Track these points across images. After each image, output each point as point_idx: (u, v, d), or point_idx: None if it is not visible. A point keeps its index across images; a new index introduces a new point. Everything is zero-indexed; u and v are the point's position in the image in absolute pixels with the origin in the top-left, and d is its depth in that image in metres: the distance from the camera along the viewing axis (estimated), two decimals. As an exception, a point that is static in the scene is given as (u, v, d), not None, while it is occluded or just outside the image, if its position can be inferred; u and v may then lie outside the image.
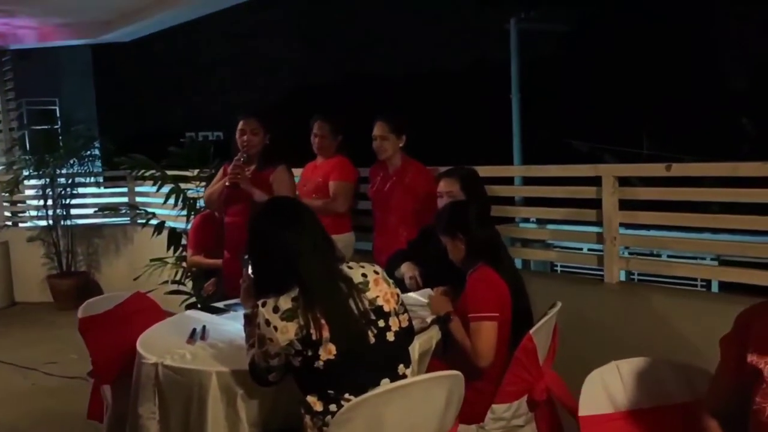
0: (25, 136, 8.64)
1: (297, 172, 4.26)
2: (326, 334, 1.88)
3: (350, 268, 2.04)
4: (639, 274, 3.43)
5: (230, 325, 2.63)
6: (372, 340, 1.94)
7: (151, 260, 5.31)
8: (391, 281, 2.10)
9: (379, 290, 2.02)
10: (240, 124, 3.62)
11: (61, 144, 7.04)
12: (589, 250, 3.93)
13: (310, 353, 1.88)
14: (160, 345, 2.43)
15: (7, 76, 7.91)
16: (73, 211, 7.04)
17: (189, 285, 4.98)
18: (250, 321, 2.11)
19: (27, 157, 7.03)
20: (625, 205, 3.14)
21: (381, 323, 1.98)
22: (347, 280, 1.99)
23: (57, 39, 6.87)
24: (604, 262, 3.16)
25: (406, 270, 3.15)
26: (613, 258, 3.13)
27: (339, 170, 4.06)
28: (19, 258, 7.08)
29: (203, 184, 5.25)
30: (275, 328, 1.89)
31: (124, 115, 19.61)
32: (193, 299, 4.70)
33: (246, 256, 2.18)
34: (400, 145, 3.84)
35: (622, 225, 3.16)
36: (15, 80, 8.23)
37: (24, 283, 7.04)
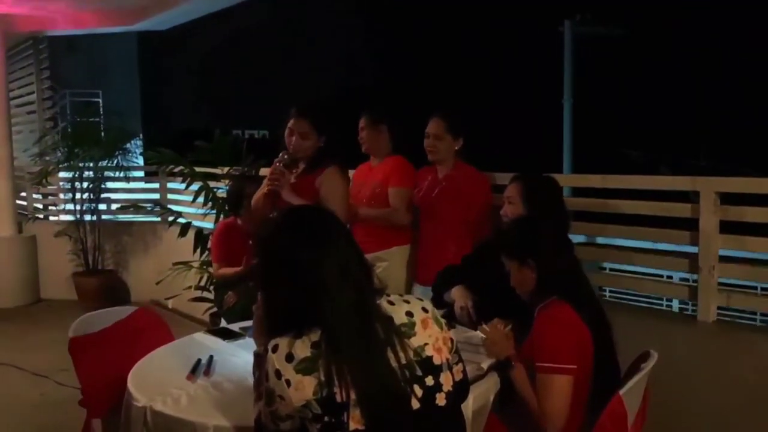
0: (68, 127, 8.49)
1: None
2: (355, 395, 1.39)
3: (391, 303, 1.54)
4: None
5: (242, 356, 2.17)
6: (416, 404, 1.45)
7: (174, 264, 4.92)
8: (443, 321, 1.60)
9: (429, 335, 1.52)
10: (290, 122, 3.03)
11: (102, 137, 6.75)
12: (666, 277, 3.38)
13: (333, 420, 1.40)
14: (154, 380, 1.99)
15: (44, 64, 7.68)
16: (103, 207, 6.75)
17: (213, 292, 4.59)
18: (260, 363, 1.64)
19: (60, 148, 6.76)
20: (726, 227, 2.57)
21: (429, 381, 1.48)
22: (386, 320, 1.49)
23: (91, 25, 6.56)
24: (698, 296, 2.59)
25: (458, 297, 2.65)
26: (711, 291, 2.56)
27: (399, 174, 3.50)
28: (46, 253, 6.83)
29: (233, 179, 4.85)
30: (288, 382, 1.41)
31: (169, 109, 19.56)
32: (216, 308, 4.30)
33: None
34: (456, 148, 3.33)
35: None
36: (57, 69, 8.05)
37: (50, 279, 6.78)
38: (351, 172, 3.64)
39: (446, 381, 1.51)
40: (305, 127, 2.99)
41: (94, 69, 11.85)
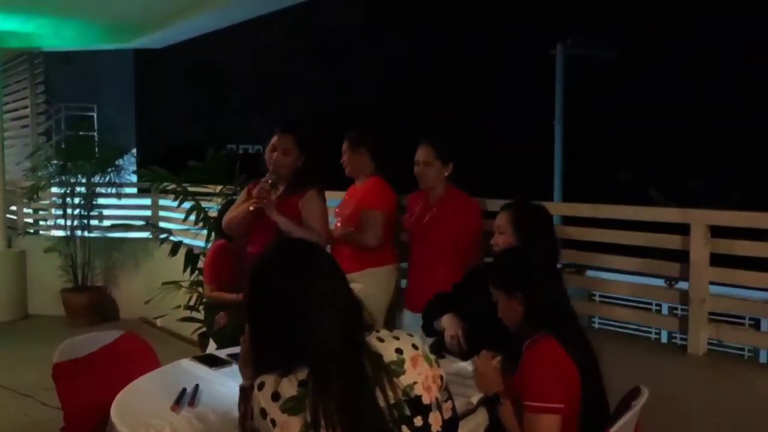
0: (61, 141, 8.46)
1: (336, 195, 3.82)
2: (342, 436, 1.37)
3: (381, 340, 1.53)
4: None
5: (228, 386, 2.14)
6: (403, 444, 1.43)
7: (164, 283, 4.90)
8: (433, 358, 1.58)
9: (418, 373, 1.50)
10: (273, 139, 3.11)
11: (96, 152, 6.74)
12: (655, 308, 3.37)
13: (319, 461, 1.37)
14: (138, 410, 1.97)
15: (39, 78, 7.68)
16: (94, 222, 6.71)
17: (203, 312, 4.56)
18: (245, 398, 1.62)
19: (51, 163, 6.74)
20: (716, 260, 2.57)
21: (418, 421, 1.46)
22: (375, 358, 1.47)
23: (88, 42, 6.58)
24: (688, 327, 2.58)
25: (448, 326, 2.63)
26: (701, 323, 2.55)
27: (373, 196, 3.53)
28: (35, 268, 6.78)
29: (224, 201, 4.84)
30: (273, 422, 1.39)
31: (165, 123, 19.55)
32: (205, 328, 4.27)
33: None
34: (446, 173, 3.33)
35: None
36: (51, 83, 8.04)
37: (38, 294, 6.72)
38: (337, 194, 3.71)
39: (435, 421, 1.49)
40: (289, 143, 3.08)
41: (90, 83, 11.83)
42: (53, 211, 7.05)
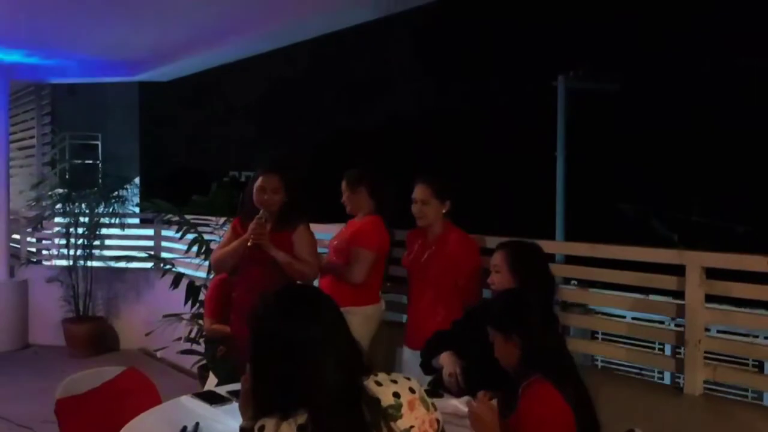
0: (66, 170, 8.54)
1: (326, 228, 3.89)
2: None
3: (379, 384, 1.56)
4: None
5: (228, 424, 2.18)
6: (400, 489, 1.45)
7: (165, 316, 4.92)
8: (430, 402, 1.61)
9: (415, 417, 1.54)
10: (259, 180, 3.26)
11: (100, 180, 6.82)
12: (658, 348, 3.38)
13: (317, 505, 1.40)
14: (139, 448, 1.99)
15: (45, 110, 7.80)
16: (97, 253, 6.75)
17: (203, 345, 4.57)
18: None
19: (55, 192, 6.81)
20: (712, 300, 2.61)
21: (414, 465, 1.49)
22: (373, 402, 1.51)
23: (94, 75, 6.71)
24: (684, 369, 2.61)
25: (447, 364, 2.65)
26: (697, 365, 2.57)
27: (365, 235, 3.59)
28: (37, 298, 6.82)
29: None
30: (272, 465, 1.42)
31: (168, 152, 19.71)
32: (205, 361, 4.28)
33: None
34: (444, 211, 3.37)
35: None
36: (58, 113, 8.14)
37: (39, 324, 6.74)
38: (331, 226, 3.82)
39: (431, 465, 1.52)
40: (276, 182, 3.24)
41: (94, 113, 11.98)
42: (56, 240, 7.10)
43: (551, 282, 2.78)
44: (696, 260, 2.58)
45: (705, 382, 2.60)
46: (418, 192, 3.37)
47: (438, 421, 1.60)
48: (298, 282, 3.19)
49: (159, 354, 5.87)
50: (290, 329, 1.53)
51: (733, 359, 2.90)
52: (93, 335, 6.44)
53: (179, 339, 4.89)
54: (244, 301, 3.19)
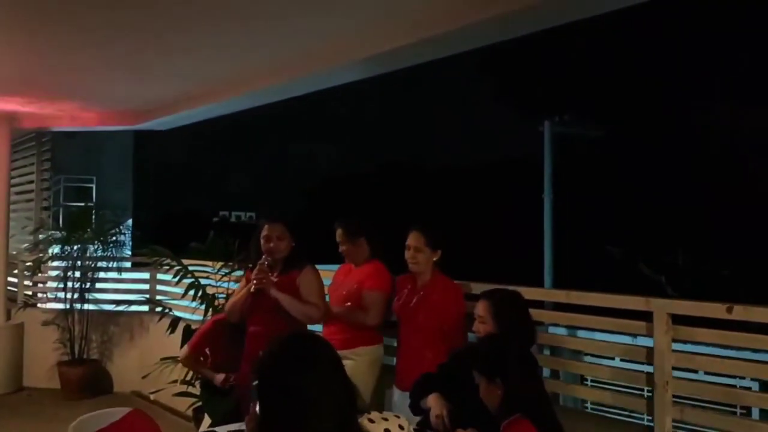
0: (60, 212, 8.69)
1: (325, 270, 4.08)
2: None
3: (372, 421, 1.76)
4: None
5: (230, 463, 2.33)
6: None
7: (162, 359, 5.05)
8: (416, 439, 1.81)
9: (403, 451, 1.73)
10: (264, 230, 3.45)
11: (93, 223, 6.98)
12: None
13: None
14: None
15: (45, 156, 8.00)
16: (93, 296, 6.88)
17: (199, 388, 4.70)
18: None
19: (54, 235, 6.97)
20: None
21: (403, 496, 1.68)
22: (366, 439, 1.70)
23: (96, 124, 6.95)
24: (654, 411, 2.81)
25: (434, 406, 2.83)
26: (665, 406, 2.77)
27: (374, 278, 3.77)
28: (32, 341, 6.89)
29: (222, 278, 5.09)
30: (276, 495, 1.60)
31: (161, 194, 19.94)
32: (200, 403, 4.40)
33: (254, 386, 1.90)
34: (435, 259, 3.60)
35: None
36: (55, 156, 8.32)
37: (34, 367, 6.82)
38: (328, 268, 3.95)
39: (417, 495, 1.70)
40: (280, 230, 3.43)
41: (89, 155, 12.20)
42: (52, 284, 7.22)
43: (532, 327, 2.99)
44: (662, 307, 2.80)
45: (674, 421, 2.80)
46: (412, 239, 3.59)
47: (424, 455, 1.79)
48: (302, 328, 3.34)
49: (152, 396, 5.96)
50: (293, 379, 1.72)
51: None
52: (87, 378, 6.52)
53: (175, 381, 5.00)
54: (252, 348, 3.35)
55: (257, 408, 1.86)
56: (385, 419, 1.78)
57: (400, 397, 3.50)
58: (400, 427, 1.78)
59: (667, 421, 2.78)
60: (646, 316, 2.86)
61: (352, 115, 22.59)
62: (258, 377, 1.78)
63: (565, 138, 18.76)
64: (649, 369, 2.85)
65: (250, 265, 3.45)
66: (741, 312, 2.60)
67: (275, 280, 3.40)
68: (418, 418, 2.96)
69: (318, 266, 3.74)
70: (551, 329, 3.56)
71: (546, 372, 3.62)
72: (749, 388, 3.61)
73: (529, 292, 3.15)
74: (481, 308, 2.95)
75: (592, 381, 3.97)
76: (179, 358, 4.17)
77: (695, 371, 3.29)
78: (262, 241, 3.43)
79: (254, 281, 3.35)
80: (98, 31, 4.00)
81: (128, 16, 3.68)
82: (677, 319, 2.82)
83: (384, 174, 22.52)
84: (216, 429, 2.85)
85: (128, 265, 7.14)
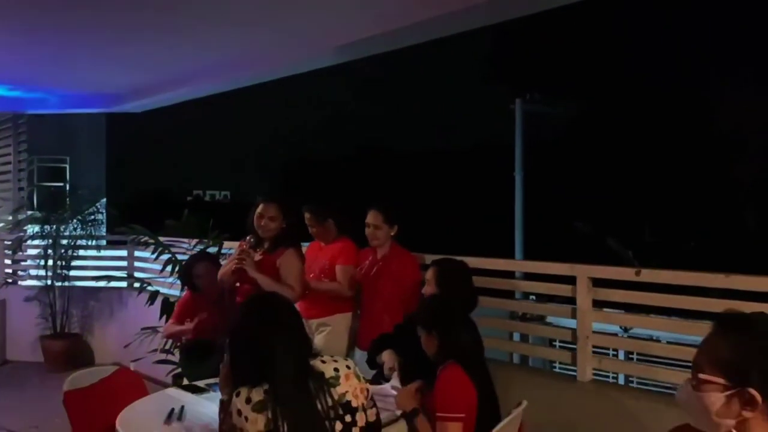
0: (34, 192, 8.88)
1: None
2: (291, 429, 1.97)
3: (323, 362, 2.15)
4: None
5: (207, 407, 2.71)
6: (338, 435, 2.03)
7: (143, 329, 5.39)
8: (361, 376, 2.20)
9: (349, 385, 2.12)
10: (259, 208, 3.67)
11: (67, 203, 7.23)
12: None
13: (277, 445, 1.97)
14: (138, 424, 2.52)
15: (22, 138, 8.20)
16: (73, 273, 7.16)
17: (177, 355, 5.04)
18: (224, 408, 2.21)
19: (33, 215, 7.22)
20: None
21: (348, 418, 2.07)
22: (318, 376, 2.09)
23: (72, 107, 7.18)
24: (576, 360, 3.25)
25: (387, 359, 3.24)
26: (586, 357, 3.21)
27: (345, 255, 4.13)
28: (15, 316, 7.17)
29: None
30: (246, 418, 1.99)
31: (134, 174, 20.00)
32: (179, 370, 4.73)
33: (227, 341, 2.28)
34: (392, 234, 3.99)
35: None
36: (30, 138, 8.49)
37: (17, 341, 7.10)
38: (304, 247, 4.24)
39: (360, 419, 2.10)
40: (273, 210, 3.67)
41: (63, 137, 12.30)
42: (32, 262, 7.48)
43: (473, 292, 3.41)
44: (584, 272, 3.23)
45: (594, 369, 3.25)
46: (371, 218, 3.98)
47: (367, 390, 2.19)
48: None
49: (132, 366, 6.28)
50: (258, 331, 2.11)
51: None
52: (69, 351, 6.82)
53: (155, 350, 5.34)
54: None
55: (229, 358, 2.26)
56: (335, 360, 2.17)
57: (360, 356, 3.89)
58: (347, 366, 2.16)
59: (588, 370, 3.22)
60: (572, 280, 3.29)
61: (327, 97, 22.76)
62: (231, 332, 2.17)
63: (536, 116, 19.23)
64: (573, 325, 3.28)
65: (249, 237, 3.69)
66: (648, 275, 3.03)
67: (258, 258, 3.64)
68: (374, 372, 3.38)
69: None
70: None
71: (506, 334, 4.06)
72: (659, 340, 4.08)
73: (475, 261, 3.56)
74: (429, 274, 3.37)
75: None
76: (164, 333, 4.48)
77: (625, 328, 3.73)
78: (255, 218, 3.67)
79: (236, 260, 3.60)
80: (72, 23, 4.24)
81: (105, 8, 3.94)
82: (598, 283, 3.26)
83: (356, 155, 22.83)
84: (195, 383, 3.22)
85: (105, 243, 7.42)
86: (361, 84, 22.34)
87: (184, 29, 4.32)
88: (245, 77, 5.51)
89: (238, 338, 2.17)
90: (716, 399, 1.40)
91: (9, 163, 8.25)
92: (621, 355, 4.10)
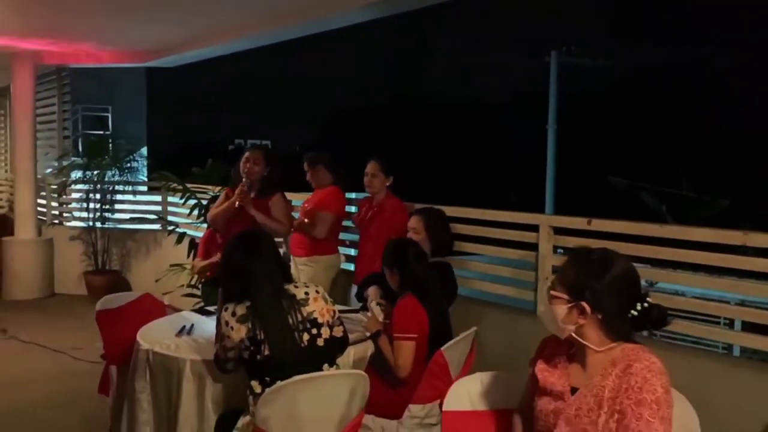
0: (78, 140, 9.54)
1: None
2: (266, 336, 2.49)
3: (296, 287, 2.65)
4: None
5: (213, 325, 3.25)
6: (304, 343, 2.54)
7: (171, 265, 6.00)
8: (329, 299, 2.70)
9: (317, 306, 2.62)
10: (246, 154, 4.21)
11: (109, 150, 7.83)
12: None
13: (254, 349, 2.50)
14: (154, 336, 3.08)
15: (66, 89, 8.79)
16: (113, 216, 7.83)
17: (201, 289, 5.64)
18: (218, 325, 2.75)
19: (76, 161, 7.86)
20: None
21: (314, 331, 2.58)
22: (290, 297, 2.60)
23: (110, 61, 7.72)
24: (536, 298, 3.70)
25: (371, 294, 3.73)
26: (545, 295, 3.64)
27: (326, 201, 4.63)
28: (61, 254, 7.91)
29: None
30: (231, 327, 2.52)
31: (176, 124, 20.70)
32: (203, 303, 5.32)
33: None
34: (387, 183, 4.44)
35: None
36: (72, 88, 9.07)
37: (64, 276, 7.87)
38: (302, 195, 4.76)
39: (325, 333, 2.61)
40: (257, 155, 4.18)
41: (105, 88, 12.92)
42: (76, 204, 8.17)
43: (450, 237, 3.87)
44: (545, 221, 3.66)
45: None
46: (370, 167, 4.44)
47: (335, 311, 2.69)
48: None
49: (165, 299, 6.95)
50: (242, 259, 2.62)
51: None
52: (110, 285, 7.50)
53: (182, 286, 5.95)
54: None
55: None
56: (307, 286, 2.67)
57: (354, 290, 4.42)
58: (317, 291, 2.66)
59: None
60: (535, 228, 3.71)
61: (365, 51, 22.93)
62: (223, 258, 2.70)
63: (572, 69, 19.10)
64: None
65: (231, 186, 4.24)
66: (598, 224, 3.43)
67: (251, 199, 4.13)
68: (361, 304, 3.89)
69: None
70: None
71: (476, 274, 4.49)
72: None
73: (452, 210, 4.01)
74: (413, 221, 3.83)
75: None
76: (194, 269, 5.04)
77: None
78: (241, 163, 4.18)
79: (237, 198, 4.09)
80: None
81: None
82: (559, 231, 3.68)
83: (393, 108, 23.06)
84: (207, 308, 3.77)
85: (143, 189, 8.06)
86: (398, 39, 22.42)
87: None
88: (282, 33, 5.86)
89: (228, 264, 2.69)
90: (561, 310, 1.88)
91: (54, 113, 8.87)
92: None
